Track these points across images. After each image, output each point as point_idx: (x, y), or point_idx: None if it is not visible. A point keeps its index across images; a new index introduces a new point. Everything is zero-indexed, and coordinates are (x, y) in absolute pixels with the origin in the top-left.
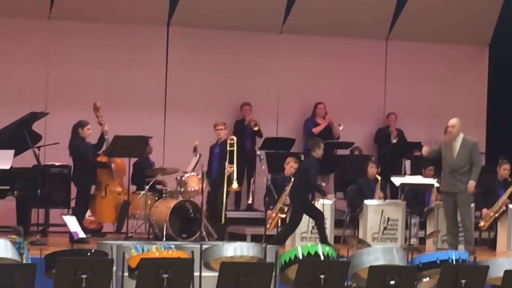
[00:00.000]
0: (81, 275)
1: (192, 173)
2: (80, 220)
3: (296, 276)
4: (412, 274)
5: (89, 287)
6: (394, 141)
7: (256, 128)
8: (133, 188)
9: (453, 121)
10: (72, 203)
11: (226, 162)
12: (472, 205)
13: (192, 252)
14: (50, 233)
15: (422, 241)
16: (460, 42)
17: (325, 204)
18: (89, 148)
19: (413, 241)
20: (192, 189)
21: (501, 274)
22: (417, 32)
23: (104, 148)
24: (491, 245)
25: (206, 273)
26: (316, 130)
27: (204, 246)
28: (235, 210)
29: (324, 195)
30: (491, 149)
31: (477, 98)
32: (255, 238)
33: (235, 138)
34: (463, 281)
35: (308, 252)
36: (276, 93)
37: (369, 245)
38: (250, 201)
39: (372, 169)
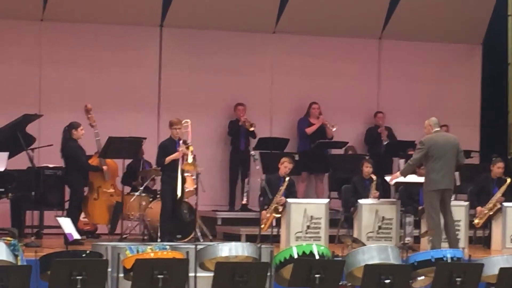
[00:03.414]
0: (76, 276)
1: (186, 174)
2: (75, 221)
3: (291, 275)
4: (407, 273)
5: None
6: (385, 142)
7: (252, 129)
8: (127, 189)
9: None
10: (67, 205)
11: (181, 143)
12: (466, 203)
13: (187, 252)
14: (44, 235)
15: (417, 239)
16: (453, 40)
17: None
18: (82, 150)
19: (408, 239)
20: (187, 190)
21: (496, 272)
22: (410, 31)
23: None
24: (486, 243)
25: (201, 274)
26: (309, 130)
27: (199, 247)
28: (229, 211)
29: None
30: (484, 147)
31: (470, 97)
32: (250, 238)
33: (189, 121)
34: (458, 279)
35: (303, 252)
36: (269, 93)
37: (364, 244)
38: (244, 201)
39: (367, 169)
